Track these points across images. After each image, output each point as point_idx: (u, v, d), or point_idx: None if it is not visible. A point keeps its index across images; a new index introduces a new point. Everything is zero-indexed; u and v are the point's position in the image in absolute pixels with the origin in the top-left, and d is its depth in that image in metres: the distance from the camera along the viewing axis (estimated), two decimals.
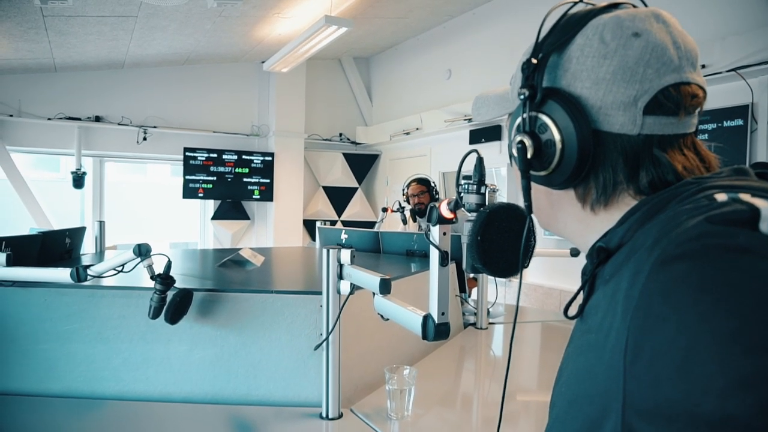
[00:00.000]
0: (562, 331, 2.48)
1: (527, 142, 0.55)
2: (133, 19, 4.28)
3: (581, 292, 0.55)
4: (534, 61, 0.55)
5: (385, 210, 3.82)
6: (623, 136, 0.52)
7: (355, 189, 7.05)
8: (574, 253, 2.57)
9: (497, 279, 2.95)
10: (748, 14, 3.07)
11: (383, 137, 6.64)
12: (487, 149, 5.06)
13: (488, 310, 2.49)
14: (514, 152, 0.57)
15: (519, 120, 0.57)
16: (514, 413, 1.52)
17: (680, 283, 0.38)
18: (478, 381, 1.90)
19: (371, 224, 6.45)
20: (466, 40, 5.49)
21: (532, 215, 0.61)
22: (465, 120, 5.16)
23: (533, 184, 0.59)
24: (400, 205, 3.65)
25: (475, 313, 2.45)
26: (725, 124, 3.11)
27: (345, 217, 6.93)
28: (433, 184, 3.59)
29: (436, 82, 5.95)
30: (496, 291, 2.59)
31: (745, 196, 0.42)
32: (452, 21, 5.64)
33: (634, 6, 0.57)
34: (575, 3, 0.57)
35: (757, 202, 0.41)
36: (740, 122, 3.05)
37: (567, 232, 0.61)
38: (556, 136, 0.54)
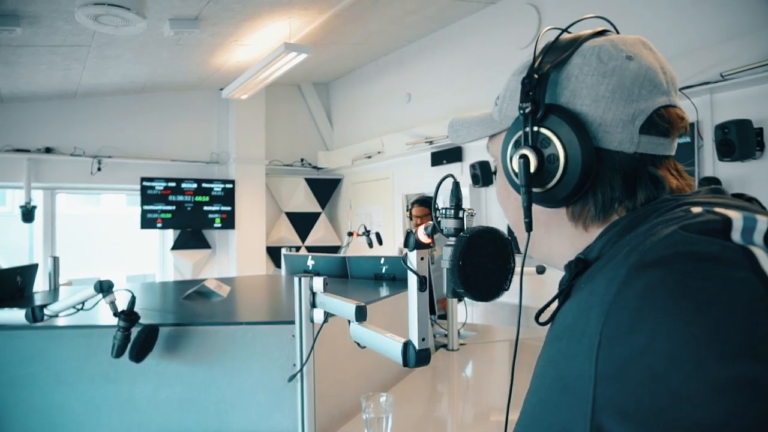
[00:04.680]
0: (532, 348, 2.50)
1: (531, 155, 0.55)
2: (86, 49, 4.18)
3: (556, 301, 0.55)
4: (536, 76, 0.55)
5: (350, 234, 3.81)
6: (620, 153, 0.53)
7: (319, 214, 7.01)
8: (540, 270, 2.61)
9: (467, 300, 2.96)
10: (689, 36, 3.25)
11: (345, 161, 6.64)
12: (448, 171, 5.13)
13: (459, 331, 2.50)
14: (514, 167, 0.57)
15: (516, 136, 0.57)
16: None
17: (654, 289, 0.39)
18: (453, 404, 1.89)
19: (336, 249, 6.40)
20: (424, 64, 5.60)
21: (515, 237, 0.61)
22: (426, 142, 5.24)
23: (521, 204, 0.58)
24: (365, 228, 3.65)
25: (446, 335, 2.45)
26: None
27: (309, 242, 6.86)
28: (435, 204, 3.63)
29: (397, 105, 6.02)
30: (465, 311, 2.60)
31: (719, 209, 0.44)
32: (410, 46, 5.75)
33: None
34: (563, 31, 0.59)
35: (730, 213, 0.42)
36: (688, 139, 3.21)
37: (551, 253, 0.61)
38: (560, 151, 0.54)
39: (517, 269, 0.68)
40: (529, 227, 0.57)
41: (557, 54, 0.56)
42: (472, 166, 4.46)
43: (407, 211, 3.71)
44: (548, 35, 0.59)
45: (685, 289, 0.37)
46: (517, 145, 0.57)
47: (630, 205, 0.54)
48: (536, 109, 0.55)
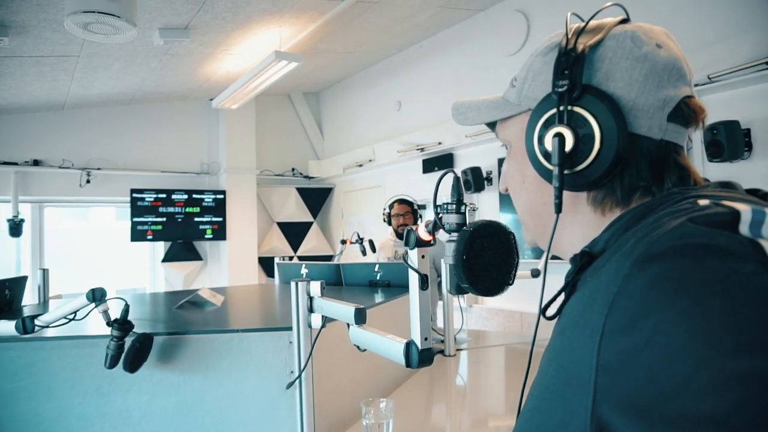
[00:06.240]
0: (527, 353, 2.50)
1: (567, 134, 0.53)
2: (75, 59, 4.16)
3: (562, 294, 0.54)
4: (574, 54, 0.54)
5: (344, 242, 3.79)
6: (648, 139, 0.53)
7: (310, 223, 6.98)
8: (535, 273, 2.61)
9: (462, 306, 2.95)
10: (679, 40, 3.30)
11: (336, 170, 6.64)
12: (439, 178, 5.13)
13: (455, 337, 2.48)
14: (547, 147, 0.55)
15: (548, 115, 0.56)
16: None
17: (660, 282, 0.38)
18: (452, 409, 1.87)
19: (328, 258, 6.37)
20: (414, 72, 5.62)
21: (512, 234, 0.60)
22: (417, 150, 5.25)
23: (541, 189, 0.57)
24: (358, 236, 3.62)
25: (443, 341, 2.43)
26: None
27: (301, 252, 6.82)
28: (416, 207, 3.61)
29: (387, 113, 6.04)
30: (462, 318, 2.59)
31: (727, 202, 0.43)
32: (400, 54, 5.78)
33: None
34: (590, 18, 0.58)
35: (738, 205, 0.42)
36: None
37: (561, 240, 0.60)
38: (596, 132, 0.52)
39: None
40: (558, 208, 0.55)
41: (589, 36, 0.55)
42: (464, 173, 4.47)
43: (384, 213, 3.65)
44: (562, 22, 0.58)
45: (692, 281, 0.37)
46: (548, 125, 0.56)
47: (657, 191, 0.53)
48: (572, 87, 0.54)
